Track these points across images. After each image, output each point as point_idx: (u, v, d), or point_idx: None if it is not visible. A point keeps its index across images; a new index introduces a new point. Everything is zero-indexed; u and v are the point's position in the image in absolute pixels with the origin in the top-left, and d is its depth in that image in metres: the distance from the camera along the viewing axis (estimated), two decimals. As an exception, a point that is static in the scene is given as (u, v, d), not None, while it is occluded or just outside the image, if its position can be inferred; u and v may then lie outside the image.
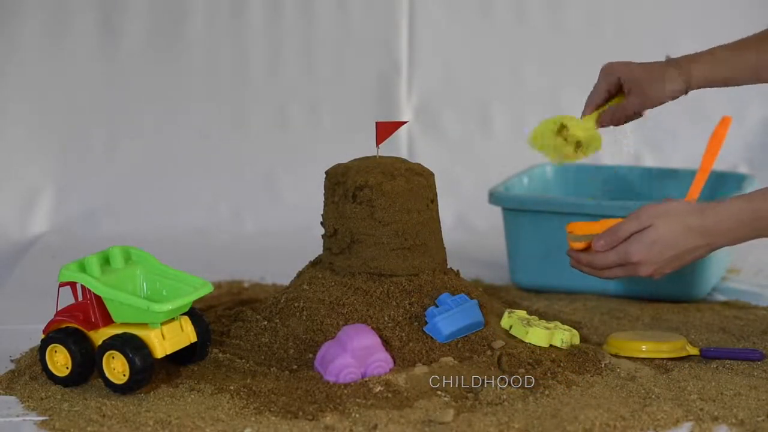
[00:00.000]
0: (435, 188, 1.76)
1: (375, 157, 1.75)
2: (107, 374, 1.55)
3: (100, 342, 1.56)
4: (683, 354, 1.69)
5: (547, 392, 1.55)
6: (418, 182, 1.71)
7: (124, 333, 1.55)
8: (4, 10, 2.63)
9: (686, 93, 1.83)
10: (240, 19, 2.70)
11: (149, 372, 1.55)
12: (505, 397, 1.53)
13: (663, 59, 1.83)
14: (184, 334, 1.60)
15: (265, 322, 1.72)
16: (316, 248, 1.79)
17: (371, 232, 1.69)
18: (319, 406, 1.51)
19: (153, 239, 2.47)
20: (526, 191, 2.20)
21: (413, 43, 2.72)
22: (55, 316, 1.60)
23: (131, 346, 1.53)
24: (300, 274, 1.78)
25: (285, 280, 1.81)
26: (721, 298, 2.05)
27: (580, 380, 1.59)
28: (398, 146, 2.69)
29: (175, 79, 2.69)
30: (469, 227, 2.57)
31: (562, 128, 1.85)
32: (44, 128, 2.65)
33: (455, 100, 2.75)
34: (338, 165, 1.74)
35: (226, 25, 2.70)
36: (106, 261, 1.62)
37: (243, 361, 1.66)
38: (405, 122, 1.83)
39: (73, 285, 1.60)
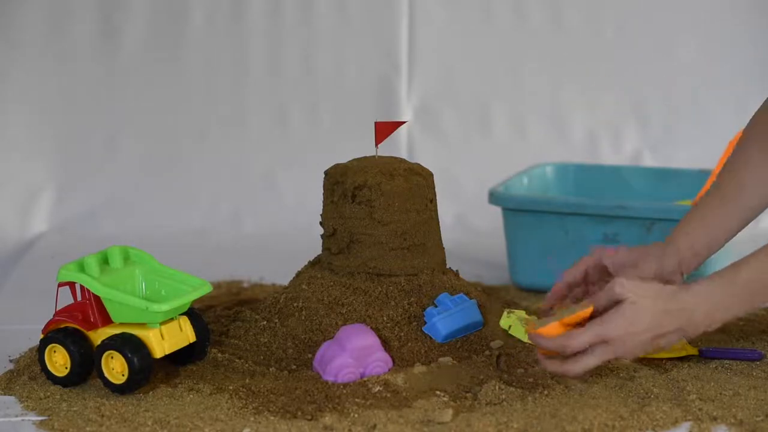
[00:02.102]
0: (434, 188, 1.76)
1: (374, 157, 1.75)
2: (106, 374, 1.55)
3: (99, 342, 1.56)
4: (682, 354, 1.69)
5: (546, 392, 1.55)
6: (417, 182, 1.71)
7: (123, 333, 1.55)
8: (4, 10, 2.63)
9: (683, 275, 1.64)
10: (240, 19, 2.70)
11: (148, 372, 1.55)
12: (504, 397, 1.53)
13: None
14: (183, 334, 1.60)
15: (264, 322, 1.72)
16: (315, 248, 1.79)
17: (370, 231, 1.69)
18: (318, 406, 1.51)
19: (153, 239, 2.46)
20: (526, 191, 2.20)
21: (413, 43, 2.72)
22: (54, 315, 1.60)
23: (130, 346, 1.53)
24: (299, 274, 1.78)
25: (284, 280, 1.81)
26: (721, 298, 2.05)
27: (580, 380, 1.59)
28: (398, 146, 2.69)
29: (175, 79, 2.69)
30: (469, 227, 2.57)
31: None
32: (44, 128, 2.65)
33: (455, 100, 2.74)
34: (337, 165, 1.74)
35: (226, 25, 2.70)
36: (105, 261, 1.62)
37: (242, 361, 1.66)
38: (404, 122, 1.83)
39: (72, 285, 1.60)
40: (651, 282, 1.51)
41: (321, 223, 1.75)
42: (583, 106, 2.74)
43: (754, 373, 1.63)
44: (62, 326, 1.59)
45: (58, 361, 1.58)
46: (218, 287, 2.09)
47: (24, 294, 2.08)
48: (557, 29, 2.74)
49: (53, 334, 1.58)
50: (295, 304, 1.71)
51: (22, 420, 1.50)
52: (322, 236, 1.75)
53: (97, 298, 1.58)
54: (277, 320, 1.71)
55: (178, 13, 2.68)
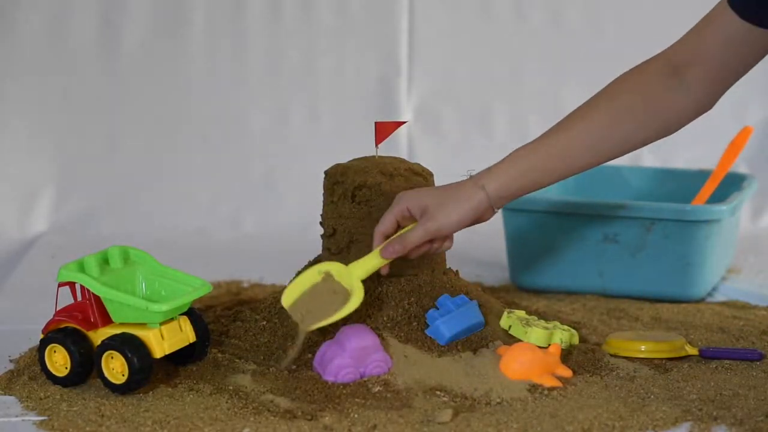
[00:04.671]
0: (434, 188, 1.75)
1: (374, 157, 1.75)
2: (106, 374, 1.55)
3: (99, 342, 1.56)
4: (682, 354, 1.69)
5: (545, 392, 1.55)
6: (417, 182, 1.71)
7: (123, 333, 1.55)
8: (4, 10, 2.63)
9: (493, 211, 1.64)
10: (240, 19, 2.69)
11: (148, 372, 1.55)
12: (504, 396, 1.53)
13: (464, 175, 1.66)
14: (183, 334, 1.60)
15: (264, 322, 1.72)
16: (315, 248, 1.79)
17: (370, 231, 1.69)
18: (318, 406, 1.51)
19: (153, 239, 2.46)
20: (525, 191, 2.20)
21: (413, 43, 2.72)
22: (54, 316, 1.60)
23: (130, 346, 1.53)
24: (299, 274, 1.78)
25: (284, 280, 1.81)
26: (721, 298, 2.05)
27: (579, 380, 1.59)
28: (398, 146, 2.69)
29: (175, 79, 2.69)
30: (469, 227, 2.56)
31: (327, 277, 1.63)
32: (44, 128, 2.65)
33: (455, 100, 2.74)
34: (337, 165, 1.74)
35: (226, 25, 2.70)
36: (105, 261, 1.62)
37: (242, 361, 1.66)
38: (404, 122, 1.83)
39: (72, 285, 1.60)
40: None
41: (321, 223, 1.75)
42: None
43: (754, 373, 1.63)
44: (62, 326, 1.59)
45: (58, 361, 1.58)
46: (218, 287, 2.09)
47: (24, 294, 2.08)
48: (557, 29, 2.74)
49: (53, 334, 1.58)
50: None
51: (22, 420, 1.50)
52: (322, 236, 1.75)
53: (97, 298, 1.58)
54: (277, 320, 1.71)
55: (178, 13, 2.68)
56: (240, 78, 2.71)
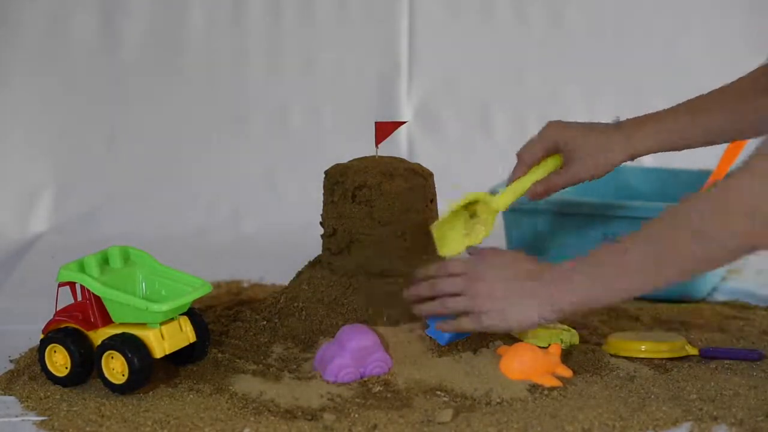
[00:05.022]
0: (434, 188, 1.76)
1: (374, 157, 1.75)
2: (106, 374, 1.55)
3: (99, 342, 1.56)
4: (682, 354, 1.69)
5: (546, 392, 1.55)
6: (417, 182, 1.71)
7: (123, 333, 1.55)
8: (4, 10, 2.63)
9: (632, 160, 1.72)
10: (240, 19, 2.70)
11: (148, 372, 1.54)
12: (504, 397, 1.53)
13: (611, 121, 1.71)
14: (183, 334, 1.60)
15: (264, 322, 1.72)
16: (315, 248, 1.79)
17: (370, 231, 1.69)
18: (318, 406, 1.51)
19: (153, 239, 2.46)
20: (526, 191, 2.20)
21: (413, 43, 2.72)
22: (54, 316, 1.60)
23: (130, 346, 1.53)
24: (299, 274, 1.78)
25: (284, 280, 1.81)
26: (721, 298, 2.05)
27: (579, 380, 1.59)
28: (398, 146, 2.69)
29: (175, 79, 2.69)
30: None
31: (473, 204, 1.70)
32: (44, 128, 2.65)
33: (455, 100, 2.74)
34: (337, 165, 1.74)
35: (226, 26, 2.70)
36: (105, 261, 1.62)
37: (242, 361, 1.66)
38: (404, 122, 1.83)
39: (72, 285, 1.60)
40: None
41: (321, 223, 1.75)
42: (583, 105, 2.73)
43: (754, 373, 1.63)
44: (62, 326, 1.59)
45: (59, 361, 1.58)
46: (218, 287, 2.09)
47: (24, 294, 2.08)
48: (557, 29, 2.74)
49: (53, 334, 1.58)
50: (295, 304, 1.71)
51: (22, 420, 1.50)
52: (322, 236, 1.75)
53: (98, 298, 1.58)
54: (277, 320, 1.71)
55: (178, 13, 2.68)
56: (240, 78, 2.71)
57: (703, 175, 2.21)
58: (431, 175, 1.76)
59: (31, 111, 2.65)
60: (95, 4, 2.66)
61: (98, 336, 1.57)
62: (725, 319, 1.90)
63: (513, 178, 1.68)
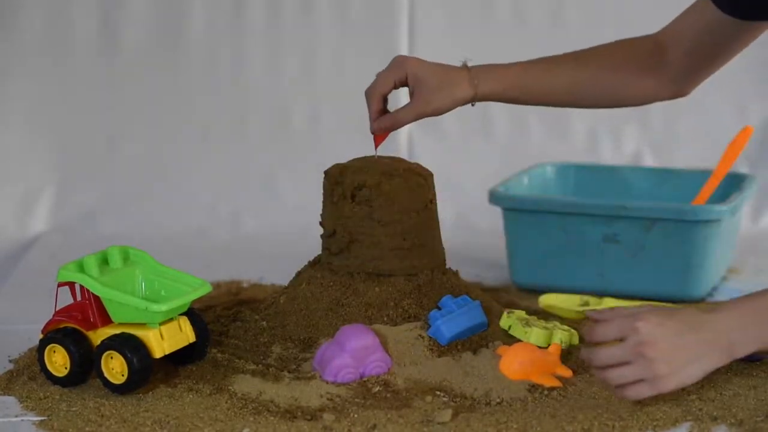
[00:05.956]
0: (434, 188, 1.76)
1: (374, 157, 1.75)
2: (106, 374, 1.55)
3: (98, 342, 1.56)
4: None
5: (545, 392, 1.55)
6: (416, 182, 1.71)
7: (123, 333, 1.55)
8: (4, 10, 2.63)
9: (472, 104, 1.72)
10: (240, 19, 2.69)
11: (147, 372, 1.54)
12: (504, 396, 1.53)
13: (459, 63, 1.74)
14: (183, 334, 1.60)
15: (264, 322, 1.72)
16: (315, 248, 1.79)
17: (370, 232, 1.69)
18: (318, 406, 1.51)
19: (153, 239, 2.46)
20: (526, 191, 2.20)
21: (413, 43, 2.72)
22: (53, 316, 1.60)
23: (129, 346, 1.53)
24: (299, 274, 1.78)
25: (284, 280, 1.81)
26: (721, 298, 2.05)
27: (579, 380, 1.59)
28: (398, 146, 2.69)
29: (175, 79, 2.69)
30: (469, 227, 2.57)
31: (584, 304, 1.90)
32: (44, 128, 2.65)
33: (455, 100, 2.74)
34: (337, 165, 1.74)
35: (226, 25, 2.70)
36: (104, 261, 1.62)
37: (242, 361, 1.66)
38: None
39: (71, 285, 1.60)
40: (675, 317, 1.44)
41: (321, 223, 1.75)
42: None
43: (754, 373, 1.63)
44: (61, 326, 1.59)
45: (58, 361, 1.58)
46: (218, 287, 2.09)
47: (24, 294, 2.08)
48: (557, 29, 2.74)
49: (53, 335, 1.58)
50: (294, 304, 1.71)
51: (22, 420, 1.50)
52: (322, 236, 1.75)
53: (97, 298, 1.58)
54: (276, 320, 1.71)
55: (178, 13, 2.68)
56: (240, 78, 2.71)
57: (703, 175, 2.21)
58: (431, 175, 1.76)
59: (31, 111, 2.65)
60: (95, 4, 2.66)
61: (98, 336, 1.57)
62: (725, 319, 1.90)
63: (371, 115, 1.70)
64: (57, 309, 1.61)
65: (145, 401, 1.54)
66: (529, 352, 1.59)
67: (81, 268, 1.59)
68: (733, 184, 2.14)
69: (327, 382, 1.57)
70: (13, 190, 2.60)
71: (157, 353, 1.56)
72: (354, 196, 1.70)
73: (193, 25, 2.68)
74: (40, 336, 1.60)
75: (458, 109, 2.74)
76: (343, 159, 1.77)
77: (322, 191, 1.75)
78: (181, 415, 1.49)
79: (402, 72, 1.70)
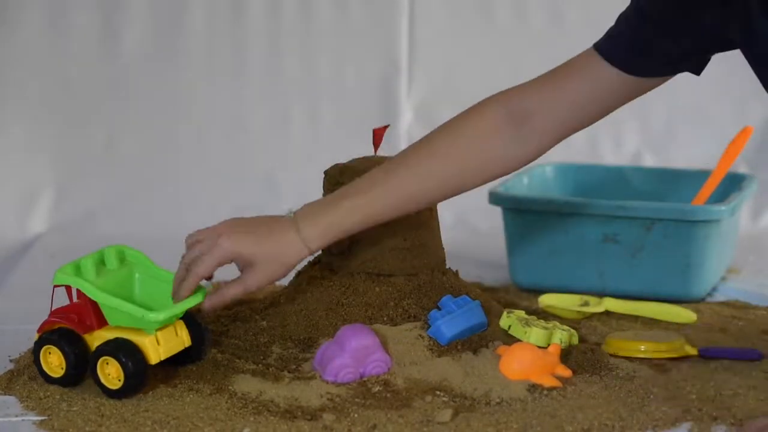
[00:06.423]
0: (434, 188, 1.75)
1: (374, 157, 1.75)
2: (102, 379, 1.54)
3: (94, 345, 1.56)
4: (682, 354, 1.69)
5: (545, 392, 1.55)
6: (417, 182, 1.71)
7: (118, 338, 1.55)
8: (4, 10, 2.63)
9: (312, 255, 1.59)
10: (240, 19, 2.69)
11: (143, 378, 1.54)
12: (504, 396, 1.53)
13: (285, 213, 1.60)
14: (179, 338, 1.59)
15: (264, 322, 1.72)
16: (315, 248, 1.78)
17: (370, 232, 1.69)
18: (318, 406, 1.51)
19: (153, 239, 2.46)
20: (526, 191, 2.20)
21: (413, 42, 2.72)
22: (49, 316, 1.60)
23: (125, 351, 1.53)
24: (299, 274, 1.78)
25: (284, 280, 1.81)
26: (721, 298, 2.05)
27: (579, 380, 1.59)
28: (398, 146, 2.69)
29: (175, 79, 2.69)
30: (469, 227, 2.57)
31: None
32: (44, 128, 2.65)
33: (455, 100, 2.73)
34: (337, 165, 1.74)
35: (226, 25, 2.70)
36: (101, 262, 1.62)
37: (242, 360, 1.66)
38: (387, 126, 1.82)
39: (68, 286, 1.60)
40: None
41: (321, 223, 1.75)
42: None
43: (754, 373, 1.63)
44: (56, 327, 1.58)
45: (54, 361, 1.58)
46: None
47: (24, 294, 2.08)
48: (557, 29, 2.74)
49: (48, 335, 1.58)
50: (295, 305, 1.71)
51: (22, 420, 1.50)
52: (321, 236, 1.75)
53: (94, 302, 1.57)
54: (277, 320, 1.71)
55: (178, 13, 2.68)
56: (240, 78, 2.71)
57: (703, 175, 2.21)
58: (431, 175, 1.75)
59: (31, 111, 2.65)
60: (95, 4, 2.66)
61: (93, 339, 1.57)
62: (725, 319, 1.90)
63: (183, 291, 1.57)
64: (53, 309, 1.60)
65: (145, 401, 1.54)
66: (528, 352, 1.59)
67: (78, 270, 1.58)
68: (733, 184, 2.14)
69: (327, 382, 1.57)
70: (13, 190, 2.60)
71: (153, 359, 1.55)
72: (354, 196, 1.69)
73: (193, 25, 2.68)
74: (36, 336, 1.60)
75: (458, 108, 2.75)
76: (343, 159, 1.77)
77: (322, 191, 1.75)
78: (182, 415, 1.49)
79: (226, 254, 1.56)
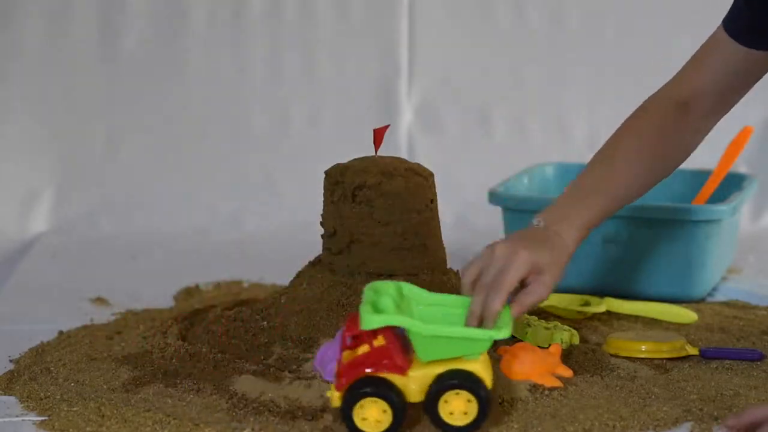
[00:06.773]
0: (434, 188, 1.76)
1: (374, 157, 1.75)
2: (443, 417, 1.42)
3: (409, 386, 1.41)
4: (683, 354, 1.69)
5: (546, 392, 1.55)
6: (417, 182, 1.71)
7: (457, 369, 1.42)
8: (4, 11, 2.63)
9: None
10: (240, 19, 2.70)
11: (490, 406, 1.43)
12: (504, 397, 1.53)
13: (534, 224, 1.61)
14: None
15: (264, 322, 1.72)
16: (315, 248, 1.79)
17: (370, 232, 1.69)
18: (319, 406, 1.51)
19: (153, 239, 2.47)
20: (526, 191, 2.20)
21: (413, 43, 2.72)
22: (353, 368, 1.42)
23: (473, 382, 1.41)
24: (299, 275, 1.78)
25: (284, 280, 1.81)
26: (721, 298, 2.05)
27: (580, 380, 1.59)
28: (398, 146, 2.69)
29: (175, 80, 2.69)
30: (469, 227, 2.57)
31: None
32: (44, 128, 2.65)
33: (455, 100, 2.74)
34: (337, 165, 1.74)
35: (227, 26, 2.70)
36: (399, 295, 1.50)
37: (242, 361, 1.66)
38: (387, 126, 1.82)
39: (353, 331, 1.44)
40: None
41: (321, 224, 1.75)
42: (583, 106, 2.74)
43: (754, 373, 1.63)
44: (369, 377, 1.41)
45: (371, 416, 1.41)
46: (218, 287, 2.09)
47: (24, 294, 2.08)
48: (557, 29, 2.74)
49: (366, 388, 1.41)
50: (295, 305, 1.71)
51: (23, 420, 1.50)
52: (322, 236, 1.75)
53: (398, 339, 1.43)
54: (277, 320, 1.71)
55: (178, 13, 2.68)
56: (240, 78, 2.71)
57: (703, 174, 2.21)
58: (431, 175, 1.76)
59: (31, 111, 2.65)
60: (95, 4, 2.66)
61: (404, 381, 1.42)
62: (725, 319, 1.90)
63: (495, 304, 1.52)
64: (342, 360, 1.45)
65: (146, 401, 1.54)
66: (529, 353, 1.59)
67: (377, 308, 1.43)
68: (733, 184, 2.14)
69: (327, 382, 1.56)
70: (13, 190, 2.60)
71: (489, 384, 1.43)
72: (354, 196, 1.69)
73: (194, 25, 2.68)
74: (336, 392, 1.42)
75: (458, 108, 2.77)
76: (343, 159, 1.77)
77: (322, 191, 1.75)
78: (182, 415, 1.49)
79: (524, 263, 1.54)
